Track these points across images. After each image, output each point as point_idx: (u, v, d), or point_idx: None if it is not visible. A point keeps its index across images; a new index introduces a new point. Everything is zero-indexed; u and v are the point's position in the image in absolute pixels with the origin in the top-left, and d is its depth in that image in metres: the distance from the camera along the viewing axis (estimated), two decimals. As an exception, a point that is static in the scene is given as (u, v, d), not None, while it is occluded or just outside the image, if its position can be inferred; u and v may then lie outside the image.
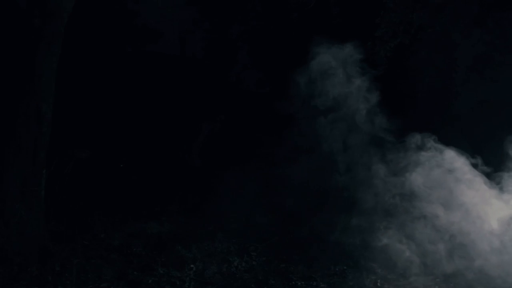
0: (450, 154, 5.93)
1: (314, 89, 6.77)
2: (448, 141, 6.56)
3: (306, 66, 6.77)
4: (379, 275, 5.56)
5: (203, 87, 14.01)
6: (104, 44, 13.02)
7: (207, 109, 12.93)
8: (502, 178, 5.83)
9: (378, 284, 5.32)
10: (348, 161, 7.10)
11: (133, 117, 12.61)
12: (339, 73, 6.56)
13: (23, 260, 4.93)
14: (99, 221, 6.73)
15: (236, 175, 8.75)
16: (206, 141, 11.43)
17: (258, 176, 9.20)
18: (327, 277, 5.48)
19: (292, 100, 7.27)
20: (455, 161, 5.87)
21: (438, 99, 14.10)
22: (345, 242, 6.51)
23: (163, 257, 5.70)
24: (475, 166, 5.85)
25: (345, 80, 6.54)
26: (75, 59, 10.88)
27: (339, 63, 6.57)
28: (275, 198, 8.39)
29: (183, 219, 7.61)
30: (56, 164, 6.01)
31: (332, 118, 6.76)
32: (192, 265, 5.48)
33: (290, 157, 8.52)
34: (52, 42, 5.22)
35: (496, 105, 12.82)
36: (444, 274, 5.61)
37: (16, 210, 5.08)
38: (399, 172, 6.29)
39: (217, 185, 8.71)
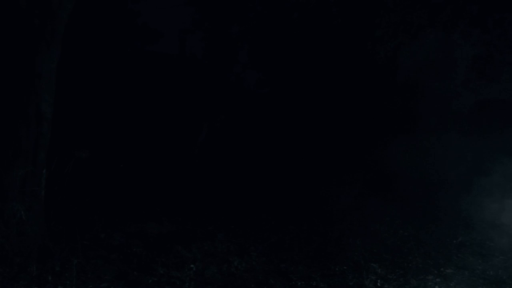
0: None
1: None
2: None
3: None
4: (379, 275, 5.57)
5: (203, 87, 14.01)
6: (104, 44, 13.01)
7: (207, 109, 12.93)
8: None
9: (378, 284, 5.32)
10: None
11: (133, 117, 12.61)
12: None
13: (23, 260, 4.93)
14: (99, 221, 6.73)
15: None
16: (206, 140, 11.44)
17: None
18: (327, 277, 5.49)
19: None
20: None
21: (438, 99, 14.10)
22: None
23: (163, 257, 5.71)
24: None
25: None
26: (75, 59, 10.88)
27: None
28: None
29: (183, 219, 7.62)
30: (56, 164, 6.00)
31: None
32: (192, 265, 5.48)
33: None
34: (52, 42, 5.22)
35: (496, 105, 12.84)
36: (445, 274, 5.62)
37: (16, 210, 5.08)
38: None
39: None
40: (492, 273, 5.63)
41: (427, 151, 11.89)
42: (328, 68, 14.10)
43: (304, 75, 14.52)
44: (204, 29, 15.04)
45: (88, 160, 8.76)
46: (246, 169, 12.30)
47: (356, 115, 13.87)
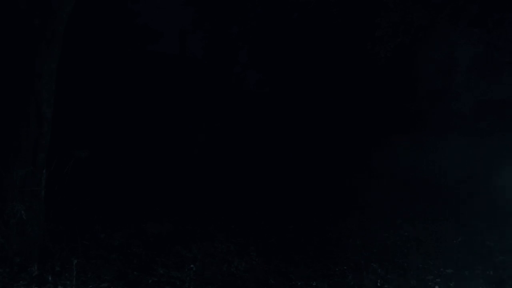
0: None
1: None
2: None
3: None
4: (379, 275, 5.57)
5: (204, 87, 14.01)
6: (104, 44, 13.01)
7: (207, 109, 12.91)
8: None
9: (378, 284, 5.32)
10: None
11: (133, 117, 12.60)
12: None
13: (23, 260, 4.93)
14: (99, 221, 6.73)
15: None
16: (206, 140, 11.43)
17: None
18: (327, 277, 5.49)
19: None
20: None
21: (438, 99, 14.11)
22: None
23: (163, 257, 5.70)
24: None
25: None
26: (75, 59, 10.87)
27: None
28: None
29: (183, 219, 7.62)
30: (56, 164, 6.01)
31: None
32: (192, 265, 5.48)
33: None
34: (52, 42, 5.22)
35: (496, 105, 12.85)
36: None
37: (16, 210, 5.08)
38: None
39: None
40: (492, 273, 5.62)
41: (430, 152, 11.89)
42: (328, 68, 14.08)
43: (304, 74, 14.51)
44: (204, 29, 15.03)
45: (88, 160, 8.76)
46: (246, 169, 12.30)
47: (357, 115, 13.86)
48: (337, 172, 12.32)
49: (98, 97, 12.12)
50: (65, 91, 7.45)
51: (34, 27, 5.10)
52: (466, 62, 13.89)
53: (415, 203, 9.76)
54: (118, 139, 11.84)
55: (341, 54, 13.80)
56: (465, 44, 13.17)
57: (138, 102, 12.98)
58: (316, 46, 14.05)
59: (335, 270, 5.73)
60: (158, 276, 5.12)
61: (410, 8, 8.76)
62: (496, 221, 8.30)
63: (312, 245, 6.70)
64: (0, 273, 4.65)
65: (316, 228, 7.72)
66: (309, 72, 14.42)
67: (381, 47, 9.33)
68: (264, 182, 11.37)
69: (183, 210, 8.25)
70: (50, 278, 4.70)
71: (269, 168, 12.50)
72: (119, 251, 5.76)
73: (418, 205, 9.63)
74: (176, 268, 5.39)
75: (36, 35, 5.11)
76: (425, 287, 5.27)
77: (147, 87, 13.42)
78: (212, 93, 13.83)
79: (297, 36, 14.27)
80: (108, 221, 6.89)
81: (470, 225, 8.18)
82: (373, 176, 11.37)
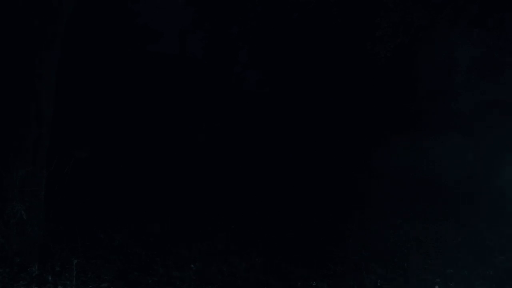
0: None
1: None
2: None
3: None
4: (379, 275, 5.57)
5: (204, 87, 14.01)
6: (104, 44, 13.02)
7: (207, 109, 12.92)
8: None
9: (378, 284, 5.32)
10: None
11: (133, 117, 12.61)
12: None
13: (23, 260, 4.93)
14: (99, 221, 6.73)
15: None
16: (207, 140, 11.43)
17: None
18: (327, 277, 5.49)
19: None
20: None
21: (438, 99, 14.11)
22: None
23: (163, 257, 5.70)
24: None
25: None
26: (76, 59, 10.88)
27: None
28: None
29: (183, 219, 7.62)
30: (56, 164, 6.01)
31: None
32: (192, 265, 5.48)
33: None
34: (52, 42, 5.22)
35: (496, 105, 12.85)
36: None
37: (16, 210, 5.08)
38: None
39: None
40: (492, 273, 5.63)
41: (430, 152, 11.90)
42: (328, 68, 14.09)
43: (304, 74, 14.52)
44: (204, 29, 15.03)
45: (88, 160, 8.76)
46: (246, 169, 12.30)
47: (357, 115, 13.86)
48: (337, 172, 12.32)
49: (98, 97, 12.12)
50: (65, 91, 7.45)
51: (34, 27, 5.10)
52: (466, 62, 13.90)
53: (415, 203, 9.76)
54: (118, 139, 11.84)
55: (341, 54, 13.81)
56: (465, 44, 13.17)
57: (138, 102, 12.98)
58: (316, 46, 14.05)
59: (335, 270, 5.72)
60: (158, 276, 5.12)
61: (410, 8, 8.76)
62: (496, 221, 8.30)
63: (312, 245, 6.70)
64: (0, 273, 4.65)
65: (316, 228, 7.72)
66: (309, 72, 14.43)
67: (381, 47, 9.32)
68: (264, 182, 11.37)
69: (183, 210, 8.26)
70: (50, 278, 4.70)
71: (269, 168, 12.50)
72: (119, 251, 5.76)
73: (418, 205, 9.62)
74: (176, 268, 5.39)
75: (36, 35, 5.11)
76: (425, 287, 5.27)
77: (147, 87, 13.42)
78: (212, 93, 13.83)
79: (297, 36, 14.27)
80: (108, 221, 6.89)
81: (470, 225, 8.18)
82: (373, 176, 11.37)
